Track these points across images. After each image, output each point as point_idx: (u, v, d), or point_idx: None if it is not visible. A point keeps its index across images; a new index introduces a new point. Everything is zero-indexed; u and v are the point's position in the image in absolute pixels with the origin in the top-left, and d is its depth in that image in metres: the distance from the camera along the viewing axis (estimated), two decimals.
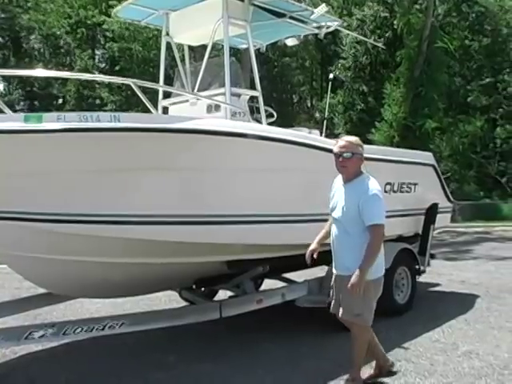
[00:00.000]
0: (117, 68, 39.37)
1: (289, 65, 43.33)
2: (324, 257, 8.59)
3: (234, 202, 7.08)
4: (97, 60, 45.94)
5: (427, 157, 10.83)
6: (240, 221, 7.19)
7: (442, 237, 23.96)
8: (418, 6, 31.88)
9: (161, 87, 9.06)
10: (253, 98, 8.55)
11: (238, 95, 8.27)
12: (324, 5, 8.96)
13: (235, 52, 16.08)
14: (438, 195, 10.86)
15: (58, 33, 42.40)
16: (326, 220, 6.76)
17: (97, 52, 46.36)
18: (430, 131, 29.59)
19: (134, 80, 6.47)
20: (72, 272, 6.84)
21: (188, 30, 8.93)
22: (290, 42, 10.31)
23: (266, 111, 8.63)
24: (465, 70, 41.82)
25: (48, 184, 6.05)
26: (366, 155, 8.28)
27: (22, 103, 43.75)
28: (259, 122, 8.33)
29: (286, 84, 43.98)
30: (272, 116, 9.18)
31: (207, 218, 6.93)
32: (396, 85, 30.97)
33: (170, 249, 6.87)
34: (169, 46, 9.35)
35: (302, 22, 9.22)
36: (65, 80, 38.93)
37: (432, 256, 10.93)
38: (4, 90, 45.51)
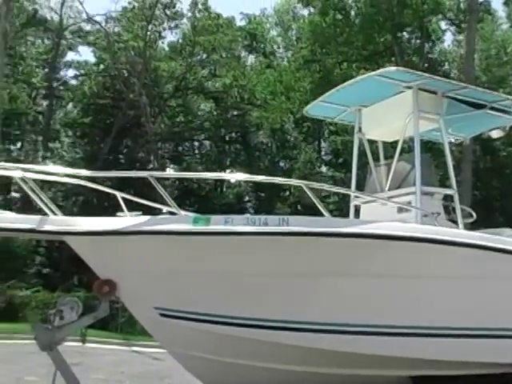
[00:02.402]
0: (340, 160, 39.84)
1: None
2: None
3: (418, 313, 6.51)
4: (323, 152, 46.96)
5: None
6: (428, 333, 6.59)
7: None
8: None
9: (346, 191, 8.79)
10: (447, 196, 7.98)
11: (431, 194, 7.75)
12: None
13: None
14: None
15: (287, 127, 44.15)
16: None
17: (323, 144, 47.44)
18: None
19: (306, 182, 6.31)
20: (257, 378, 6.68)
21: (380, 125, 8.64)
22: (495, 134, 9.56)
23: (463, 211, 7.99)
24: None
25: (214, 285, 6.05)
26: None
27: (250, 194, 45.55)
28: (456, 222, 7.71)
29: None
30: (470, 216, 8.46)
31: (393, 330, 6.44)
32: None
33: (352, 360, 6.45)
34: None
35: (505, 112, 8.51)
36: (289, 172, 40.02)
37: None
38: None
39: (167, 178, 36.03)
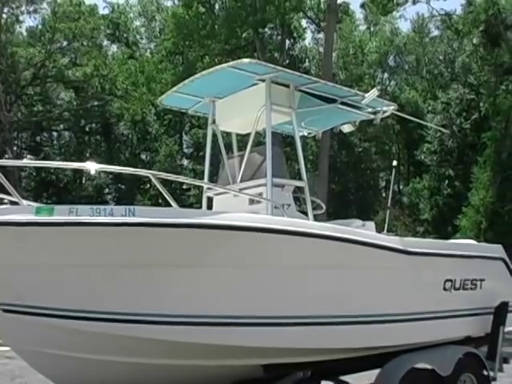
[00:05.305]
0: (201, 153, 39.97)
1: (368, 149, 42.87)
2: (377, 360, 7.91)
3: (266, 303, 6.54)
4: (184, 145, 46.84)
5: (495, 249, 9.87)
6: (275, 323, 6.64)
7: None
8: (503, 87, 31.13)
9: (197, 183, 8.72)
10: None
11: (282, 186, 7.82)
12: (375, 89, 8.45)
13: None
14: (510, 292, 9.86)
15: (148, 119, 43.76)
16: (367, 322, 6.13)
17: (185, 137, 47.32)
18: None
19: (154, 172, 6.19)
20: (94, 371, 6.47)
21: (234, 117, 8.60)
22: (346, 129, 9.76)
23: (313, 202, 8.13)
24: None
25: (59, 278, 5.79)
26: (419, 250, 7.76)
27: (110, 186, 44.89)
28: (306, 213, 7.84)
29: (368, 169, 43.45)
30: (320, 208, 8.65)
31: (238, 320, 6.44)
32: (483, 168, 29.98)
33: (199, 351, 6.38)
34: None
35: (355, 107, 8.73)
36: (151, 165, 39.69)
37: (505, 360, 9.81)
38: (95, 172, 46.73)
39: (23, 169, 34.78)
